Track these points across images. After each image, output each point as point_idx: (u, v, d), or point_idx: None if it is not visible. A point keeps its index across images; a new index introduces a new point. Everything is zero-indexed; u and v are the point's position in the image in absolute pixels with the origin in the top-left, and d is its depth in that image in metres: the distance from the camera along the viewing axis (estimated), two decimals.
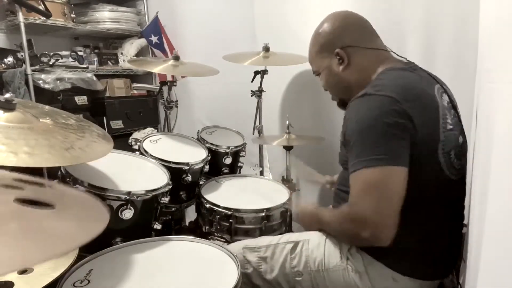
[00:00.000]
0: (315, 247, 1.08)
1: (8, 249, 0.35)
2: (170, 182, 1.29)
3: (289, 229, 1.51)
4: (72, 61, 2.50)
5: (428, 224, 0.96)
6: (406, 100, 0.91)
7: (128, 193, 1.11)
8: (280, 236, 1.17)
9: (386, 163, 0.88)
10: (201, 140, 1.76)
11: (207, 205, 1.42)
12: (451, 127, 0.98)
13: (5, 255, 0.34)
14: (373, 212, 0.89)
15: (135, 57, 2.70)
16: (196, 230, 1.60)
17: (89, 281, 0.84)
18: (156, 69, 1.79)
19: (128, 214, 1.11)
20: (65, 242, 0.40)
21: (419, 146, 0.91)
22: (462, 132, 1.02)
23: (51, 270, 0.76)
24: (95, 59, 2.64)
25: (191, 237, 1.08)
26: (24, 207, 0.45)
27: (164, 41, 2.61)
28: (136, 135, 2.55)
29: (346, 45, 1.09)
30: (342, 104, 1.22)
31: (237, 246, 1.16)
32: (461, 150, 1.00)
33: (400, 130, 0.89)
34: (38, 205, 0.48)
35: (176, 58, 1.79)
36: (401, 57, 1.11)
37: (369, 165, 0.89)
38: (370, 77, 1.06)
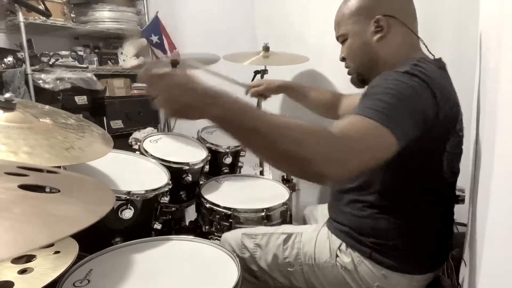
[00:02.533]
0: (307, 241, 1.09)
1: (12, 232, 0.36)
2: (170, 182, 1.29)
3: None
4: (72, 61, 2.50)
5: (419, 221, 0.96)
6: (441, 96, 0.85)
7: (128, 193, 1.11)
8: (278, 226, 1.19)
9: (399, 134, 0.76)
10: (201, 140, 1.76)
11: (207, 205, 1.42)
12: (461, 133, 0.95)
13: (10, 239, 0.35)
14: (353, 159, 0.73)
15: (135, 57, 2.70)
16: (196, 230, 1.59)
17: (89, 281, 0.84)
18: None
19: (128, 214, 1.11)
20: (70, 224, 0.41)
21: (430, 141, 0.86)
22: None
23: (51, 270, 0.76)
24: (95, 59, 2.64)
25: (191, 237, 1.08)
26: (28, 192, 0.45)
27: (165, 40, 2.61)
28: (136, 135, 2.55)
29: (389, 14, 0.98)
30: (360, 80, 1.10)
31: (237, 232, 1.19)
32: (461, 156, 0.99)
33: (421, 114, 0.81)
34: (43, 191, 0.48)
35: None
36: (431, 53, 1.06)
37: (384, 123, 0.75)
38: (400, 58, 0.97)
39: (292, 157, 0.70)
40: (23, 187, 0.46)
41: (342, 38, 1.08)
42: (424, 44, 1.04)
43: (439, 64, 0.98)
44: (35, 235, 0.36)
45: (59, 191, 0.49)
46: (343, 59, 1.10)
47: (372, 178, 0.95)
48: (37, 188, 0.48)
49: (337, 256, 1.03)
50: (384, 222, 0.96)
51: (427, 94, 0.83)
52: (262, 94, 1.57)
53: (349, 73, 1.12)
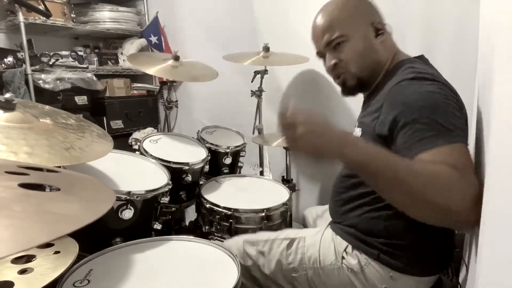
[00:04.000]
0: (311, 245, 1.08)
1: (12, 230, 0.36)
2: (170, 182, 1.29)
3: None
4: (72, 61, 2.50)
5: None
6: (455, 90, 0.87)
7: (128, 193, 1.11)
8: (279, 231, 1.18)
9: (467, 142, 0.79)
10: (201, 140, 1.76)
11: (207, 205, 1.42)
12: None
13: (10, 236, 0.35)
14: (478, 185, 0.71)
15: (135, 52, 2.69)
16: (196, 230, 1.60)
17: (89, 281, 0.84)
18: (154, 70, 1.74)
19: (128, 214, 1.11)
20: (70, 222, 0.40)
21: None
22: None
23: (51, 270, 0.76)
24: (95, 59, 2.64)
25: (191, 237, 1.08)
26: (28, 191, 0.45)
27: (163, 42, 2.61)
28: (136, 135, 2.55)
29: (381, 20, 1.07)
30: (358, 85, 1.08)
31: (238, 239, 1.18)
32: None
33: (461, 113, 0.84)
34: (43, 190, 0.48)
35: (176, 58, 1.78)
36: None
37: (458, 141, 0.76)
38: (393, 61, 1.04)
39: (437, 208, 0.69)
40: (24, 185, 0.46)
41: (338, 40, 1.03)
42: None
43: (426, 61, 1.03)
44: (34, 233, 0.36)
45: (59, 189, 0.49)
46: (335, 65, 1.07)
47: None
48: (38, 187, 0.48)
49: (343, 258, 1.02)
50: (399, 221, 0.93)
51: (452, 92, 0.85)
52: None
53: (343, 81, 1.09)
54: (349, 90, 1.11)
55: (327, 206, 1.26)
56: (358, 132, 0.99)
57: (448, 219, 0.72)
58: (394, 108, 0.83)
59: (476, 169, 0.78)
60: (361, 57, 1.04)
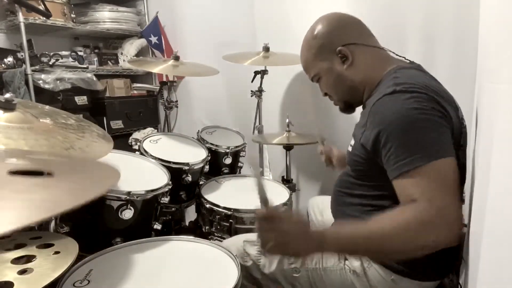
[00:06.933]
0: None
1: None
2: (170, 182, 1.29)
3: None
4: (72, 61, 2.50)
5: None
6: (439, 97, 0.87)
7: (128, 193, 1.11)
8: None
9: (450, 154, 0.82)
10: (201, 140, 1.76)
11: (207, 205, 1.42)
12: (465, 124, 0.96)
13: None
14: (456, 206, 0.79)
15: (135, 57, 2.70)
16: (196, 230, 1.60)
17: (89, 281, 0.84)
18: (156, 69, 1.80)
19: (128, 214, 1.11)
20: (46, 208, 0.39)
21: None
22: None
23: (51, 270, 0.76)
24: (95, 59, 2.64)
25: (191, 237, 1.08)
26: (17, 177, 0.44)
27: (163, 41, 2.61)
28: (136, 135, 2.55)
29: (347, 42, 1.05)
30: (347, 107, 1.17)
31: (238, 239, 1.17)
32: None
33: (445, 122, 0.86)
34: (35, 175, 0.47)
35: (176, 58, 1.79)
36: (400, 56, 1.10)
37: (437, 157, 0.80)
38: (377, 75, 1.02)
39: (427, 248, 0.82)
40: (13, 173, 0.45)
41: (316, 78, 1.15)
42: (390, 50, 1.10)
43: (415, 66, 1.03)
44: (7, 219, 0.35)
45: (52, 174, 0.47)
46: (325, 94, 1.19)
47: (385, 184, 0.94)
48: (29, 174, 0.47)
49: (345, 259, 1.02)
50: None
51: (432, 102, 0.85)
52: (331, 161, 1.47)
53: (335, 104, 1.20)
54: (343, 111, 1.20)
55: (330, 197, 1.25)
56: (352, 141, 1.03)
57: (439, 247, 0.81)
58: (375, 127, 0.87)
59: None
60: (336, 88, 1.14)
